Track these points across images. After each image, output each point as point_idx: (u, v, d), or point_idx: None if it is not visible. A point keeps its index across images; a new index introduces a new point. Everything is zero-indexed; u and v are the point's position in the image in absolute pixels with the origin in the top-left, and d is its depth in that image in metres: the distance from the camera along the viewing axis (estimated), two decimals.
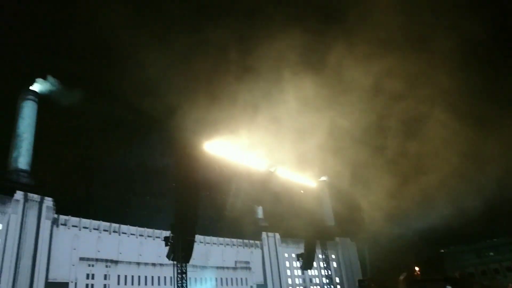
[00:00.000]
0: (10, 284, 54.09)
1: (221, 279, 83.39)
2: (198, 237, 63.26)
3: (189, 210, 50.93)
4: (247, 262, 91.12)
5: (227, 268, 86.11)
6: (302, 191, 77.09)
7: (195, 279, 75.44)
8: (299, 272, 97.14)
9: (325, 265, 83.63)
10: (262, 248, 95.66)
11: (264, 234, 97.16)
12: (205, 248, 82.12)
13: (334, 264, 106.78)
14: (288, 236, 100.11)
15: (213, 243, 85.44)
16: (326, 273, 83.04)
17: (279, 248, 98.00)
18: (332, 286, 77.87)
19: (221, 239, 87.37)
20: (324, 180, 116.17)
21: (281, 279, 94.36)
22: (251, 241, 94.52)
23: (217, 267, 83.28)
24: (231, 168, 64.70)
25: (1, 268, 54.08)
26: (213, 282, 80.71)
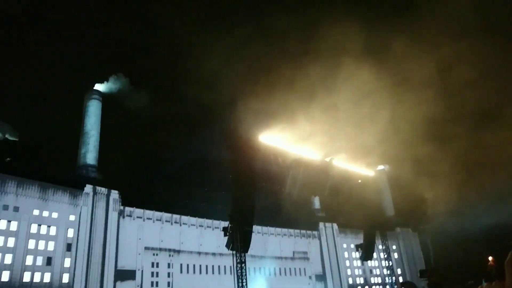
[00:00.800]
0: (84, 270, 58.22)
1: (279, 269, 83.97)
2: (256, 228, 63.97)
3: (246, 201, 51.54)
4: (305, 253, 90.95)
5: (285, 258, 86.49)
6: (360, 181, 75.12)
7: (254, 268, 76.55)
8: (359, 263, 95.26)
9: (385, 256, 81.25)
10: (319, 239, 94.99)
11: (321, 225, 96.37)
12: (263, 239, 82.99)
13: (395, 255, 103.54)
14: (346, 226, 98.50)
15: (271, 234, 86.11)
16: (387, 264, 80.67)
17: (337, 239, 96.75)
18: (394, 277, 75.58)
19: (278, 229, 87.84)
20: (383, 170, 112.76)
21: (340, 269, 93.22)
22: (309, 232, 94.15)
23: (275, 257, 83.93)
24: (288, 158, 64.49)
25: (76, 255, 58.32)
26: (272, 272, 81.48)
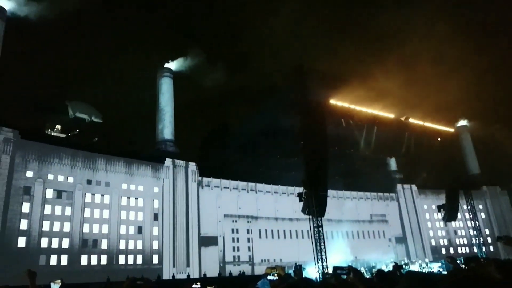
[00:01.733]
0: (171, 237, 62.65)
1: (357, 232, 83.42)
2: (331, 192, 63.60)
3: (319, 166, 51.21)
4: (383, 215, 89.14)
5: (363, 221, 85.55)
6: (439, 139, 70.90)
7: (331, 232, 76.81)
8: (441, 224, 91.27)
9: (471, 216, 76.81)
10: (398, 201, 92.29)
11: (399, 186, 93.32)
12: (339, 203, 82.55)
13: (482, 215, 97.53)
14: (426, 187, 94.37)
15: (346, 197, 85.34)
16: (473, 225, 76.31)
17: (416, 200, 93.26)
18: (481, 238, 71.47)
19: (354, 193, 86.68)
20: (465, 126, 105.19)
21: (422, 231, 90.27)
22: (386, 194, 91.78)
23: (353, 221, 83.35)
24: (361, 120, 62.54)
25: (162, 224, 62.79)
26: (350, 235, 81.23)
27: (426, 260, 70.56)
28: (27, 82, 75.88)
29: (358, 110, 60.85)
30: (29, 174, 52.67)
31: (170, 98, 77.69)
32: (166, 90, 77.97)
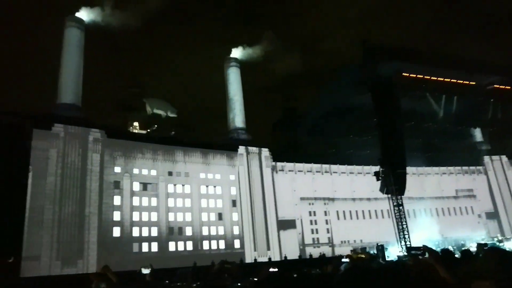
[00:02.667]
0: (250, 222, 64.55)
1: (442, 209, 79.16)
2: (410, 169, 60.96)
3: (395, 143, 49.31)
4: (470, 190, 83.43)
5: (447, 197, 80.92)
6: None
7: (413, 210, 73.79)
8: None
9: None
10: (486, 174, 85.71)
11: (486, 158, 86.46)
12: (420, 179, 78.82)
13: None
14: None
15: (427, 174, 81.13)
16: None
17: (508, 172, 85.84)
18: None
19: (435, 168, 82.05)
20: None
21: None
22: (472, 168, 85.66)
23: (436, 198, 79.25)
24: (438, 90, 58.74)
25: (241, 210, 64.84)
26: (434, 212, 77.42)
27: None
28: (109, 84, 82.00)
29: (434, 80, 57.21)
30: (117, 169, 57.14)
31: (238, 87, 79.14)
32: (234, 80, 79.49)
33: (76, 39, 62.97)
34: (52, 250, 48.21)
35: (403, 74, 55.98)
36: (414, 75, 56.70)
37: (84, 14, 66.48)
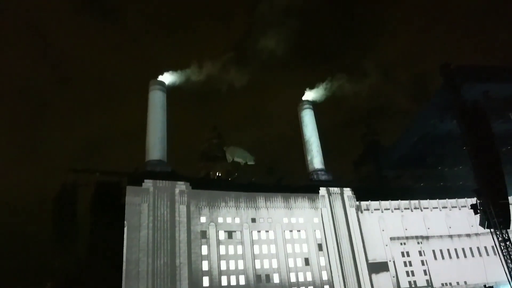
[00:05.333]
0: (339, 266, 61.73)
1: None
2: None
3: (491, 170, 44.91)
4: None
5: None
6: None
7: None
8: None
9: None
10: None
11: None
12: None
13: None
14: None
15: None
16: None
17: None
18: None
19: None
20: None
21: None
22: None
23: None
24: None
25: (328, 253, 62.43)
26: None
27: None
28: (191, 138, 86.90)
29: None
30: (203, 219, 58.98)
31: (313, 128, 79.11)
32: (309, 122, 79.77)
33: (159, 100, 68.49)
34: None
35: (489, 94, 51.84)
36: (503, 95, 52.16)
37: (166, 77, 72.69)
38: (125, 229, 52.72)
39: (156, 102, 68.16)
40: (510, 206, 44.98)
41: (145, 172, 59.68)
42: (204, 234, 58.16)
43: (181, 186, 58.95)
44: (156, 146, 64.27)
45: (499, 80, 52.26)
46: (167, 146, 65.53)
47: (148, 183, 56.97)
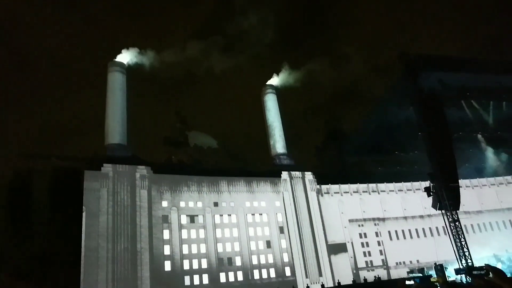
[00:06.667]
0: (299, 248, 63.25)
1: (503, 222, 73.92)
2: (463, 182, 58.03)
3: (444, 155, 47.20)
4: None
5: (508, 209, 75.58)
6: None
7: (471, 225, 69.71)
8: None
9: None
10: None
11: None
12: (476, 192, 74.62)
13: None
14: None
15: (483, 185, 76.63)
16: None
17: None
18: None
19: (491, 179, 77.31)
20: None
21: None
22: None
23: (495, 210, 74.35)
24: (484, 97, 56.13)
25: (289, 236, 63.77)
26: (495, 226, 72.44)
27: None
28: (153, 121, 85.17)
29: (479, 87, 54.88)
30: (165, 204, 58.39)
31: (276, 113, 79.59)
32: (271, 106, 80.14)
33: (118, 82, 66.42)
34: (108, 287, 49.50)
35: (445, 83, 54.10)
36: (458, 84, 54.62)
37: (125, 56, 70.23)
38: (84, 215, 51.39)
39: (115, 84, 66.09)
40: (460, 189, 47.61)
41: (104, 156, 58.09)
42: (166, 219, 57.68)
43: (142, 170, 57.90)
44: (115, 129, 62.56)
45: (454, 69, 54.45)
46: (128, 130, 63.91)
47: (107, 168, 55.53)
